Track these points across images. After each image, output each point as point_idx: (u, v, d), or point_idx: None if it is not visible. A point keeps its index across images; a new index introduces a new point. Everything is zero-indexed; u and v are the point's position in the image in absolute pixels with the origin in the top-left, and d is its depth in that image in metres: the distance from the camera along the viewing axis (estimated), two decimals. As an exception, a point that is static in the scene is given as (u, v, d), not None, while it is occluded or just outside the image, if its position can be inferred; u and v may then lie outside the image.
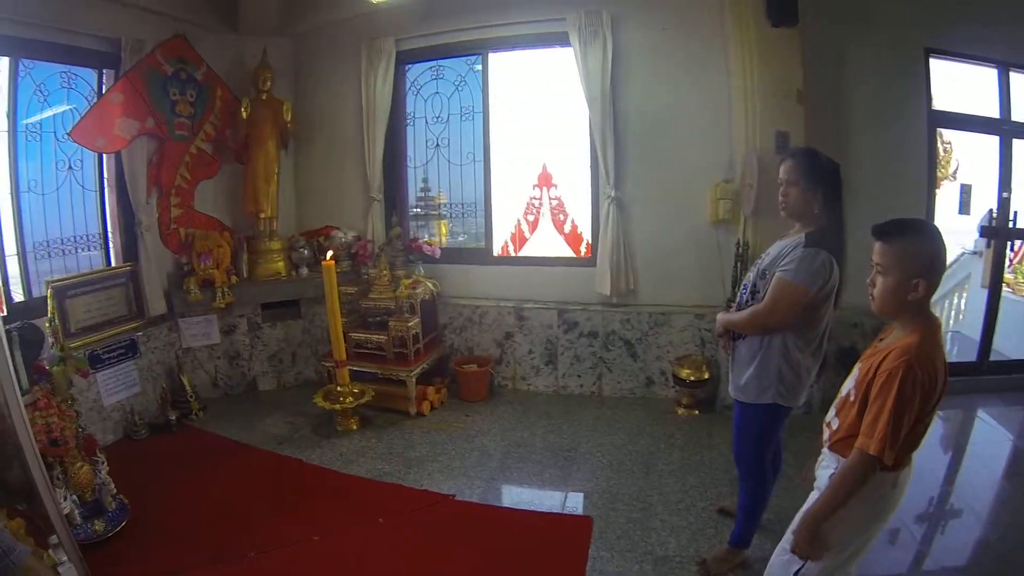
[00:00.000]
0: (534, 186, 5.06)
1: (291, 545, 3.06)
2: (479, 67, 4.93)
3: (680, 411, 4.35)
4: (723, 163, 4.33)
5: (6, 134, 3.93)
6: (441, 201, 5.31)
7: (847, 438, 1.77)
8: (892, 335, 1.80)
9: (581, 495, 3.48)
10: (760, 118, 3.99)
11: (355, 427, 4.33)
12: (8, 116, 3.92)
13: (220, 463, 3.98)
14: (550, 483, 3.63)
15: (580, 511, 3.31)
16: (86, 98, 4.31)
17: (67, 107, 4.21)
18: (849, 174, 2.59)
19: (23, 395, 3.29)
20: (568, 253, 5.02)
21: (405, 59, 5.05)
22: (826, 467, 1.88)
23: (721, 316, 2.67)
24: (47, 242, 4.22)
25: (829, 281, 2.32)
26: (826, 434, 1.91)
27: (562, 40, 4.45)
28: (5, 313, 3.87)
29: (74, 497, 3.05)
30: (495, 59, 4.90)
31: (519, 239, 5.14)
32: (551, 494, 3.54)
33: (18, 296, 4.08)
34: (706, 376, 4.28)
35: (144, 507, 3.34)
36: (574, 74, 4.43)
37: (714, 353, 4.38)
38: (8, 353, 2.75)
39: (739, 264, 4.05)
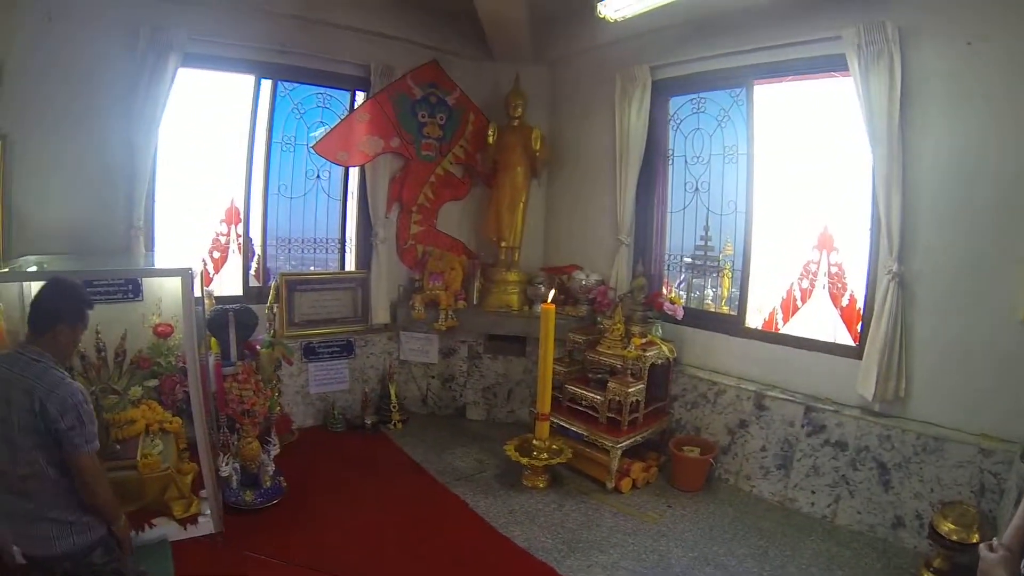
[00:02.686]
0: (813, 248, 4.09)
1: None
2: (743, 100, 4.16)
3: (926, 575, 3.05)
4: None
5: (264, 144, 4.51)
6: (727, 252, 4.58)
7: None
8: None
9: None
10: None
11: (542, 485, 3.91)
12: (267, 130, 4.51)
13: (388, 479, 3.97)
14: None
15: None
16: (339, 116, 4.72)
17: (321, 124, 4.69)
18: None
19: (229, 367, 3.77)
20: (840, 331, 3.97)
21: (664, 89, 4.50)
22: None
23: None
24: (289, 239, 4.75)
25: None
26: None
27: (839, 64, 3.51)
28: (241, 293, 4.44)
29: (237, 465, 3.43)
30: (761, 91, 4.09)
31: (790, 308, 4.23)
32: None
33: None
34: (975, 539, 2.87)
35: (301, 493, 3.60)
36: (855, 108, 3.43)
37: (993, 508, 3.01)
38: (194, 332, 3.04)
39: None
